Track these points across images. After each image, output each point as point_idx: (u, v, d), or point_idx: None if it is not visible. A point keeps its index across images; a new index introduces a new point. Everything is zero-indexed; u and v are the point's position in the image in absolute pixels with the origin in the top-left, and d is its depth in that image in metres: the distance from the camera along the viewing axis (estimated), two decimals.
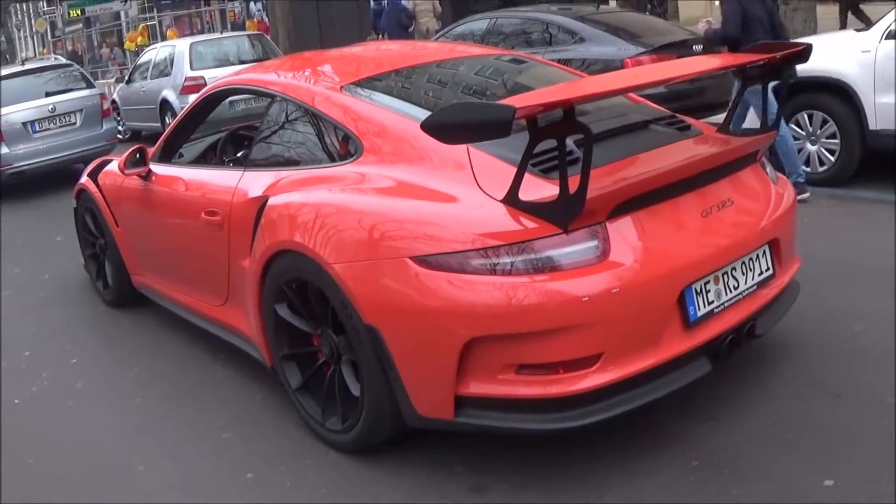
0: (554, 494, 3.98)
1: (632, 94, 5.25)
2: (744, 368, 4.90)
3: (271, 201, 4.67)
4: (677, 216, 4.13)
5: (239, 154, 6.32)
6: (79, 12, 32.84)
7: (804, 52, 4.68)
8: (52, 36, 49.90)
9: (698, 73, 5.18)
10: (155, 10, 36.56)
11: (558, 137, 3.65)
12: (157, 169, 6.22)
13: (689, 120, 4.97)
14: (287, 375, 4.76)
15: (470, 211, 3.94)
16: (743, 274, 4.32)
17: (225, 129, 7.07)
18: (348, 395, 4.37)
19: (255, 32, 22.89)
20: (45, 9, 52.75)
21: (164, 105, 17.58)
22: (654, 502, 3.86)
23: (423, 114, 4.26)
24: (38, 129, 13.87)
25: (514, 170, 3.80)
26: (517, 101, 3.56)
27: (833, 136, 8.73)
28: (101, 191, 7.04)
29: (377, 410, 4.18)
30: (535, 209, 3.78)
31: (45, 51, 43.47)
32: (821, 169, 8.87)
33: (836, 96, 8.66)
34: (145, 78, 18.97)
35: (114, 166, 6.97)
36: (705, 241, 4.14)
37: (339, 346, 4.39)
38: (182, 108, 15.75)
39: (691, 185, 4.19)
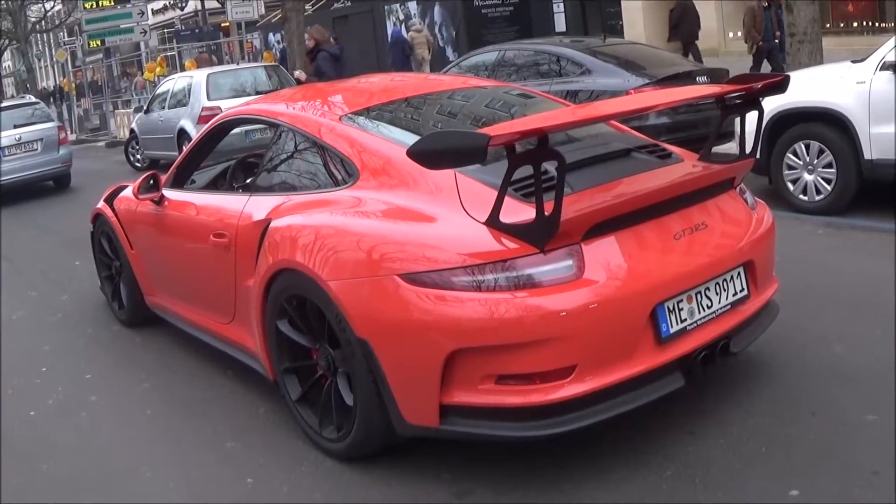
0: (532, 500, 4.23)
1: (616, 124, 5.54)
2: (723, 386, 5.14)
3: (274, 224, 4.98)
4: (651, 238, 4.41)
5: (247, 180, 6.64)
6: (99, 43, 33.21)
7: (782, 84, 4.95)
8: (73, 66, 50.49)
9: (674, 102, 5.46)
10: (175, 41, 37.04)
11: (534, 164, 3.94)
12: (170, 194, 6.55)
13: (671, 148, 5.24)
14: (287, 388, 5.06)
15: (455, 232, 4.24)
16: (716, 294, 4.58)
17: (235, 156, 7.40)
18: (343, 406, 4.66)
19: (272, 63, 23.30)
20: (66, 39, 53.43)
21: (182, 134, 17.94)
22: None
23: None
24: (7, 154, 17.60)
25: (496, 193, 4.10)
26: (493, 129, 3.89)
27: (829, 165, 8.93)
28: (116, 215, 7.39)
29: (369, 419, 4.46)
30: (514, 230, 4.08)
31: (65, 81, 44.00)
32: (817, 198, 9.08)
33: (832, 126, 8.87)
34: (163, 108, 19.39)
35: (129, 192, 7.32)
36: (678, 262, 4.42)
37: (335, 360, 4.68)
38: None
39: (666, 209, 4.48)
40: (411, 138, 4.85)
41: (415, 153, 4.07)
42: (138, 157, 20.95)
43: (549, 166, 4.09)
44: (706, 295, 4.53)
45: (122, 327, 7.60)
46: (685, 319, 4.40)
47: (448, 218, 4.33)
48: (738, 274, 4.75)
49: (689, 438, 4.64)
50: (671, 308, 4.33)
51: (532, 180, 4.09)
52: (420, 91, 5.96)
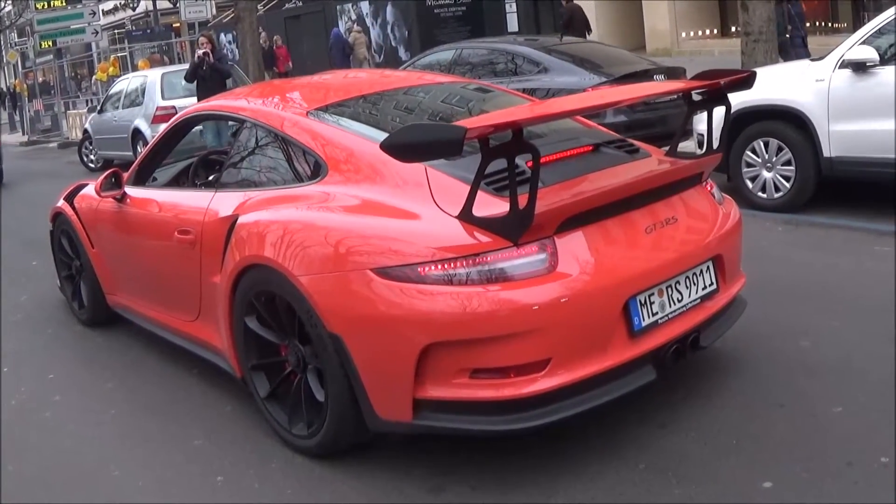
0: (507, 495, 4.21)
1: (583, 119, 5.55)
2: (692, 380, 5.17)
3: (241, 219, 4.94)
4: (623, 232, 4.42)
5: (210, 177, 6.59)
6: (50, 43, 32.91)
7: (748, 80, 4.97)
8: (24, 67, 49.98)
9: (642, 97, 5.48)
10: (126, 41, 36.85)
11: (508, 157, 3.93)
12: (132, 192, 6.48)
13: (638, 144, 5.26)
14: (256, 385, 5.01)
15: (427, 226, 4.22)
16: (687, 287, 4.60)
17: (196, 154, 7.34)
18: (313, 402, 4.62)
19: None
20: (17, 40, 52.87)
21: (136, 134, 17.90)
22: (599, 503, 4.10)
23: (385, 136, 4.53)
24: None
25: (468, 188, 4.09)
26: (469, 122, 3.88)
27: (788, 163, 9.02)
28: (76, 213, 7.28)
29: (341, 415, 4.43)
30: (487, 224, 4.06)
31: (16, 82, 43.58)
32: (776, 195, 9.17)
33: (792, 124, 8.96)
34: (117, 108, 19.32)
35: (89, 190, 7.23)
36: (649, 256, 4.43)
37: (306, 356, 4.64)
38: (153, 137, 16.07)
39: (636, 204, 4.49)
40: (379, 133, 4.88)
41: (389, 146, 4.05)
42: (92, 157, 20.83)
43: (520, 161, 4.08)
44: (677, 289, 4.54)
45: (84, 327, 7.50)
46: (657, 313, 4.41)
47: (420, 212, 4.31)
48: (708, 268, 4.77)
49: (661, 432, 4.66)
50: (643, 301, 4.34)
51: (504, 174, 4.12)
52: (383, 87, 5.94)
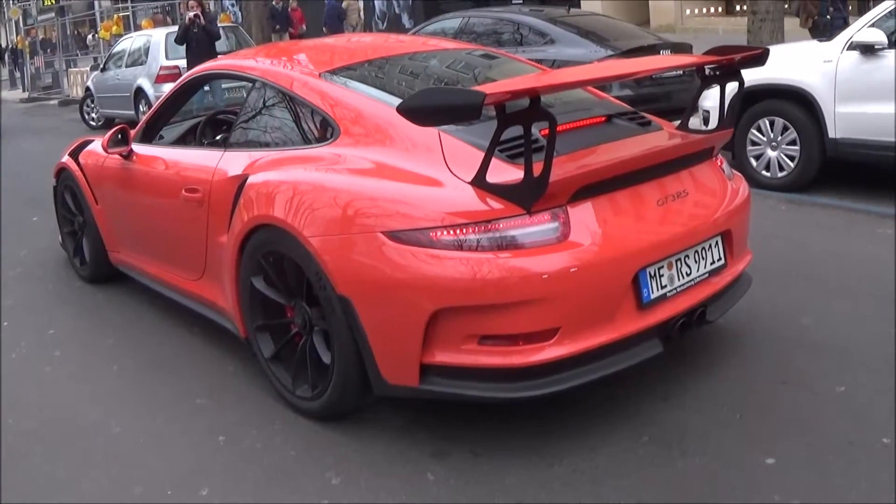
0: (509, 462, 4.21)
1: (595, 90, 5.51)
2: (696, 354, 5.16)
3: (251, 179, 4.89)
4: (634, 204, 4.38)
5: (218, 136, 6.54)
6: (53, 1, 32.71)
7: (761, 56, 4.95)
8: (25, 24, 49.69)
9: (658, 69, 5.45)
10: (129, 0, 36.71)
11: (524, 124, 3.89)
12: (139, 149, 6.42)
13: (649, 116, 5.23)
14: (260, 345, 4.98)
15: (439, 191, 4.18)
16: (695, 262, 4.58)
17: (204, 113, 7.28)
18: (319, 364, 4.60)
19: (230, 24, 23.17)
20: None
21: (139, 93, 17.85)
22: (601, 472, 4.09)
23: (397, 100, 4.52)
24: None
25: (481, 154, 4.06)
26: (488, 87, 3.82)
27: (793, 142, 9.01)
28: (81, 169, 7.22)
29: (346, 378, 4.41)
30: (500, 191, 4.03)
31: (19, 39, 43.34)
32: (780, 174, 9.16)
33: (797, 104, 8.94)
34: (120, 66, 19.23)
35: (95, 146, 7.17)
36: (660, 229, 4.40)
37: (312, 318, 4.61)
38: (156, 97, 16.08)
39: (648, 176, 4.45)
40: (391, 97, 4.86)
41: (406, 109, 4.00)
42: (93, 115, 20.75)
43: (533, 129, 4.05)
44: (686, 262, 4.52)
45: (84, 284, 7.47)
46: (665, 286, 4.38)
47: (433, 177, 4.26)
48: (717, 243, 4.75)
49: (663, 405, 4.65)
50: (652, 274, 4.31)
51: (518, 141, 4.09)
52: (393, 51, 5.90)
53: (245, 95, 5.74)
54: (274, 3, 27.95)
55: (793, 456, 4.12)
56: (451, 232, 4.01)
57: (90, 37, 41.20)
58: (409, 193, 4.24)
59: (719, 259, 4.76)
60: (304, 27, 28.49)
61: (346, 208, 4.32)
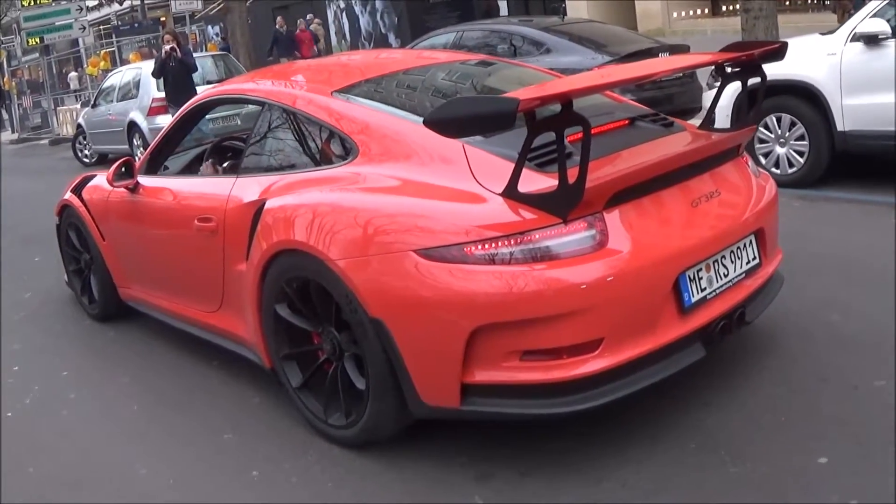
0: (557, 481, 4.08)
1: (613, 94, 5.43)
2: (730, 356, 5.04)
3: (269, 204, 4.75)
4: (668, 207, 4.27)
5: (225, 163, 6.41)
6: (37, 40, 32.82)
7: (780, 50, 4.88)
8: (9, 65, 49.74)
9: (680, 68, 5.36)
10: (114, 35, 36.87)
11: (557, 130, 3.77)
12: (145, 181, 6.29)
13: (671, 118, 5.13)
14: (288, 375, 4.83)
15: (469, 204, 4.06)
16: (732, 262, 4.47)
17: (208, 141, 7.17)
18: (352, 391, 4.46)
19: (220, 52, 23.28)
20: (2, 38, 52.67)
21: (132, 127, 17.85)
22: (654, 484, 3.97)
23: (412, 115, 4.51)
24: None
25: (507, 164, 3.96)
26: (520, 94, 3.69)
27: (801, 138, 8.93)
28: (85, 205, 7.09)
29: (382, 403, 4.26)
30: (534, 200, 3.90)
31: (5, 80, 43.45)
32: (790, 171, 9.08)
33: (804, 99, 8.87)
34: (111, 101, 19.27)
35: (98, 181, 7.06)
36: (696, 231, 4.29)
37: (342, 343, 4.47)
38: (150, 129, 16.00)
39: (679, 178, 4.35)
40: (406, 112, 4.78)
41: (434, 121, 3.86)
42: (86, 152, 20.71)
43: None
44: (723, 263, 4.41)
45: (93, 322, 7.31)
46: (705, 288, 4.27)
47: (461, 190, 4.14)
48: (751, 242, 4.65)
49: (706, 410, 4.54)
50: (692, 277, 4.20)
51: (546, 149, 4.01)
52: (397, 67, 5.79)
53: (255, 118, 5.59)
54: (277, 26, 27.93)
55: (843, 455, 4.02)
56: (486, 246, 3.88)
57: (72, 74, 41.27)
58: (438, 209, 4.11)
59: (754, 258, 4.65)
60: (317, 49, 28.26)
61: (376, 228, 4.20)
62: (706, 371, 4.82)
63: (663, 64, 5.28)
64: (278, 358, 4.85)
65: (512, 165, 3.93)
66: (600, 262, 3.88)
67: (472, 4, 30.12)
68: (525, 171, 3.92)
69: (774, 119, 9.12)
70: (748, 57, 4.80)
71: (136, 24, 39.06)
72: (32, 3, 31.32)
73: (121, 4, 46.01)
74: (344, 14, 29.80)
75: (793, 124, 9.00)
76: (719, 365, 4.94)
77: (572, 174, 3.75)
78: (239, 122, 14.52)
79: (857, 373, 4.75)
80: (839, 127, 8.62)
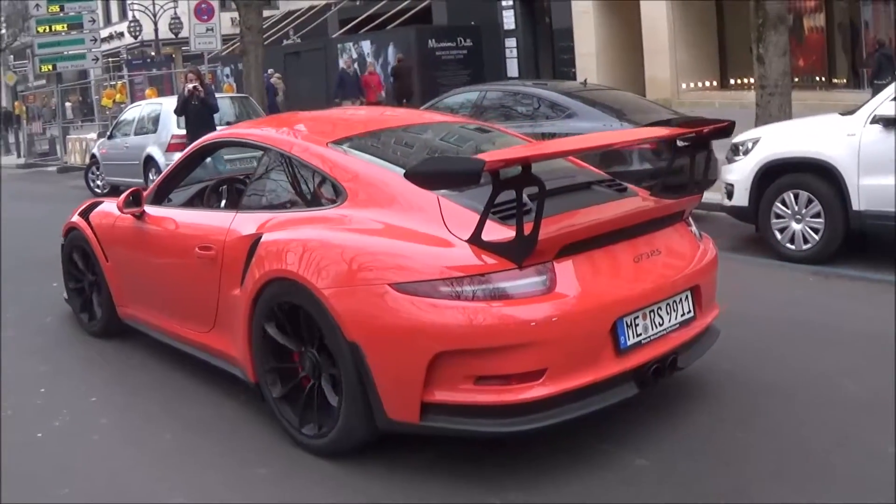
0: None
1: (576, 160, 6.64)
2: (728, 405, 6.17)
3: (265, 237, 5.92)
4: (613, 261, 5.48)
5: (224, 200, 7.83)
6: (51, 67, 34.04)
7: (728, 128, 6.04)
8: (19, 90, 51.20)
9: (635, 140, 6.74)
10: (125, 69, 38.19)
11: (517, 188, 4.92)
12: (151, 210, 7.55)
13: (625, 184, 6.30)
14: (270, 387, 5.94)
15: (439, 248, 5.21)
16: (667, 314, 5.62)
17: (209, 178, 8.60)
18: (325, 406, 5.57)
19: (240, 94, 24.71)
20: (14, 63, 54.43)
21: (149, 161, 19.04)
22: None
23: (398, 168, 5.73)
24: None
25: (475, 215, 5.12)
26: (487, 156, 4.88)
27: (818, 215, 9.87)
28: (91, 228, 8.36)
29: (352, 417, 5.37)
30: (494, 248, 5.05)
31: (17, 104, 44.84)
32: (805, 247, 10.04)
33: (821, 177, 9.80)
34: (127, 134, 20.45)
35: (105, 207, 8.39)
36: (635, 283, 5.47)
37: (321, 364, 5.58)
38: (167, 164, 17.05)
39: (625, 236, 5.56)
40: (393, 165, 5.99)
41: (413, 174, 5.06)
42: (98, 182, 21.92)
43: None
44: (658, 314, 5.54)
45: (116, 348, 8.19)
46: (640, 334, 5.40)
47: (433, 235, 5.28)
48: (686, 297, 5.80)
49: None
50: (629, 323, 5.33)
51: (508, 204, 5.10)
52: (393, 123, 7.20)
53: (256, 163, 6.90)
54: (344, 66, 29.21)
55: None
56: (452, 284, 5.03)
57: (66, 104, 42.46)
58: (413, 250, 5.27)
59: (689, 312, 5.81)
60: (383, 94, 29.62)
61: (357, 263, 5.36)
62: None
63: (620, 136, 6.47)
64: (263, 372, 5.97)
65: (478, 217, 5.06)
66: (548, 303, 5.03)
67: (482, 62, 32.30)
68: (489, 223, 5.07)
69: (792, 195, 10.07)
70: (698, 133, 6.00)
71: (147, 59, 40.78)
72: (48, 29, 32.53)
73: (135, 39, 47.70)
74: (356, 64, 30.97)
75: (810, 201, 9.91)
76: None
77: (528, 227, 4.88)
78: (255, 164, 15.42)
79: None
80: (855, 206, 9.51)
